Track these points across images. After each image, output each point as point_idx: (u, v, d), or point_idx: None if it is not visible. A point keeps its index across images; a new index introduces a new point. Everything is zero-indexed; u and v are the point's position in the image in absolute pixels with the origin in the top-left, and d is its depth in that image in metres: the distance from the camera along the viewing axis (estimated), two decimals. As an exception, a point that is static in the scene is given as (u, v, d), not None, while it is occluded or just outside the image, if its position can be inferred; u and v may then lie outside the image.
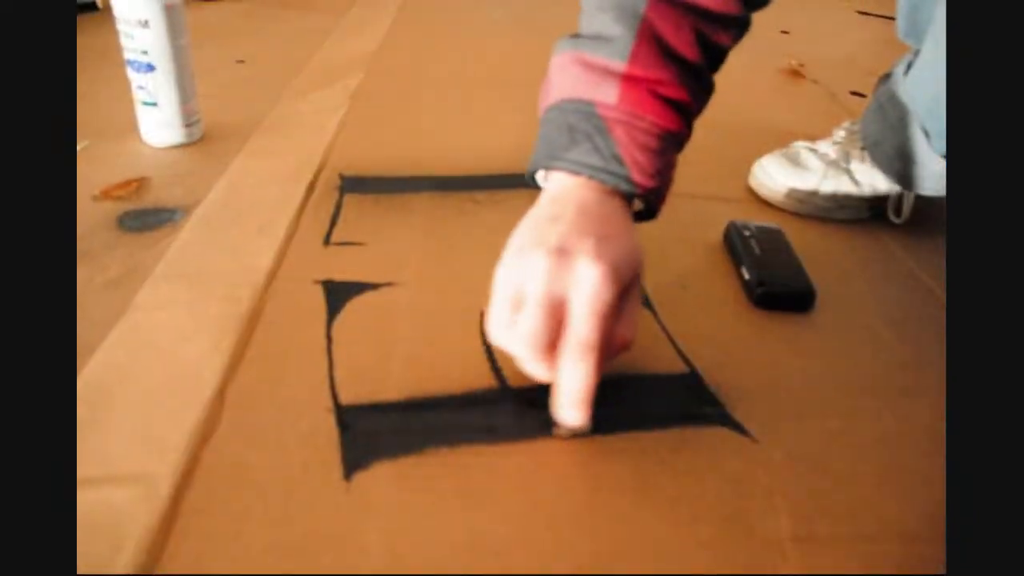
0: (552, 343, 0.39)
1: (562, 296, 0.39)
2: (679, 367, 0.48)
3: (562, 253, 0.39)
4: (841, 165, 0.69)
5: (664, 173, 0.46)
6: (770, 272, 0.57)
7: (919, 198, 0.68)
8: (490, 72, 1.00)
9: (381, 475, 0.38)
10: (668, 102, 0.45)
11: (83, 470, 0.36)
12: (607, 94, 0.44)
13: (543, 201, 0.45)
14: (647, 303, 0.54)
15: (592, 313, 0.38)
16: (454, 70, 1.01)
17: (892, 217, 0.69)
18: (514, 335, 0.40)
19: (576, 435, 0.41)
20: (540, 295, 0.39)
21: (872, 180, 0.68)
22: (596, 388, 0.39)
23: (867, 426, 0.45)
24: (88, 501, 0.35)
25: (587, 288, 0.39)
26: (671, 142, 0.46)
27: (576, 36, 0.47)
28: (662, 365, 0.48)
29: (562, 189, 0.44)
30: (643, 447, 0.41)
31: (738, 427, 0.44)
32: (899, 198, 0.68)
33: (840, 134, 0.72)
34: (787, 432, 0.44)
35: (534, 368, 0.41)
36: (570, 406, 0.39)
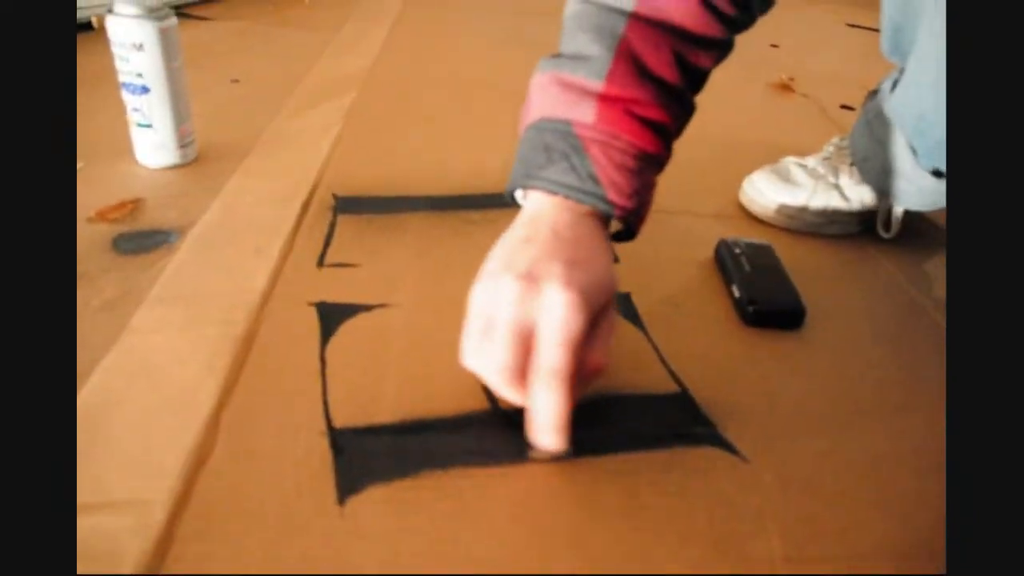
0: (523, 370, 0.39)
1: (531, 323, 0.39)
2: (670, 387, 0.49)
3: (530, 279, 0.39)
4: (830, 180, 0.70)
5: (642, 194, 0.46)
6: (761, 290, 0.57)
7: (907, 213, 0.69)
8: (485, 88, 1.01)
9: (375, 499, 0.38)
10: (645, 122, 0.45)
11: (79, 496, 0.36)
12: (584, 113, 0.45)
13: (519, 221, 0.45)
14: (638, 322, 0.54)
15: (560, 341, 0.38)
16: (448, 86, 1.02)
17: (881, 232, 0.70)
18: (485, 362, 0.41)
19: (554, 457, 0.41)
20: (508, 323, 0.39)
21: (861, 195, 0.69)
22: (570, 414, 0.39)
23: (860, 444, 0.46)
24: (85, 528, 0.35)
25: (555, 316, 0.38)
26: (649, 162, 0.46)
27: (556, 56, 0.48)
28: (653, 384, 0.49)
29: (538, 209, 0.45)
30: (634, 468, 0.42)
31: (729, 447, 0.44)
32: (888, 213, 0.69)
33: (829, 149, 0.73)
34: (779, 452, 0.44)
35: (507, 393, 0.41)
36: (544, 432, 0.40)
